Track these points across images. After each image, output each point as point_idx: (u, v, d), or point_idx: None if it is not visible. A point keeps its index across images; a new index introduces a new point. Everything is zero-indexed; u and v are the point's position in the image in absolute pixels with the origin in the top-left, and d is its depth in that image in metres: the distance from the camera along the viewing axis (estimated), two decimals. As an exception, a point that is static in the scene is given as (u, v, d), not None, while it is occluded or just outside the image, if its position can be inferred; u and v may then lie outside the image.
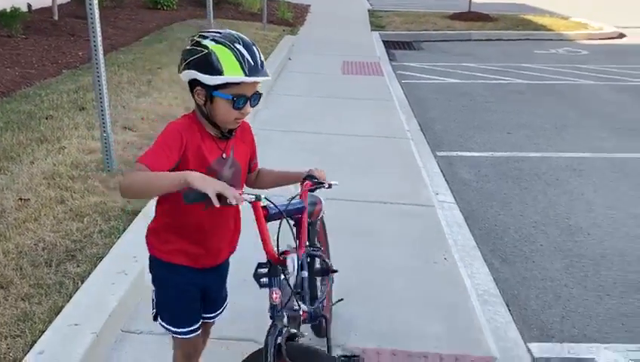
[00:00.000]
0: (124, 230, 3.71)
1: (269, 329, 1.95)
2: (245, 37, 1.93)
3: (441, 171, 5.67)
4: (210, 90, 1.89)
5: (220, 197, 1.74)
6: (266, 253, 2.00)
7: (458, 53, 12.62)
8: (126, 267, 3.25)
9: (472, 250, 4.13)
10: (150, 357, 2.82)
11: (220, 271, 2.23)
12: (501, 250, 4.26)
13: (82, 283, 3.12)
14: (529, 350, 3.12)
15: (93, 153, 4.94)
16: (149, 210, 4.01)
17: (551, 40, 14.72)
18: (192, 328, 2.18)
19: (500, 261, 4.10)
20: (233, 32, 1.94)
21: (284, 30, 13.40)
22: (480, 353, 2.95)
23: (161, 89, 7.11)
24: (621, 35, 15.71)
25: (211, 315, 2.30)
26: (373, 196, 4.82)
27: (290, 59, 10.46)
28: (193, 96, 1.96)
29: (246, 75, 1.85)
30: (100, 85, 4.45)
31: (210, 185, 1.76)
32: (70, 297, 3.00)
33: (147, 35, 10.88)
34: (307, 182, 2.24)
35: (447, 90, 9.18)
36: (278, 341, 1.90)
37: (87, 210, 3.94)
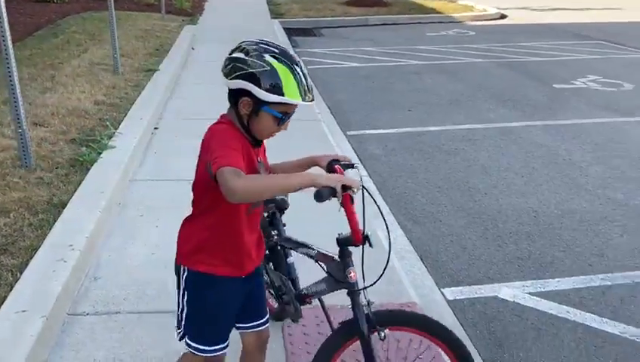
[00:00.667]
0: (54, 221, 3.75)
1: (354, 302, 2.13)
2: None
3: (353, 148, 6.06)
4: (261, 104, 1.88)
5: (344, 188, 1.84)
6: (355, 234, 2.09)
7: (357, 38, 13.15)
8: (64, 255, 3.34)
9: (387, 215, 4.54)
10: (100, 336, 2.95)
11: (258, 273, 2.20)
12: (412, 213, 4.70)
13: (21, 273, 3.18)
14: (443, 294, 3.56)
15: (6, 150, 4.86)
16: (78, 201, 4.08)
17: (441, 22, 15.65)
18: (227, 343, 2.14)
19: (411, 222, 4.54)
20: (284, 47, 1.94)
21: (183, 20, 13.31)
22: (403, 300, 3.34)
23: (67, 84, 6.97)
24: (503, 16, 16.98)
25: (262, 321, 2.25)
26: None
27: (193, 48, 10.47)
28: (235, 104, 1.93)
29: (302, 100, 1.88)
30: (12, 81, 4.40)
31: (336, 180, 1.85)
32: (12, 287, 3.05)
33: (40, 30, 10.46)
34: (336, 165, 2.22)
35: (351, 74, 9.63)
36: (366, 311, 2.12)
37: (12, 206, 3.93)
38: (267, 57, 1.87)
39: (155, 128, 6.20)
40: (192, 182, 2.01)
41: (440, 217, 4.65)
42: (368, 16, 15.57)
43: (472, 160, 5.85)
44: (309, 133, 6.33)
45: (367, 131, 6.74)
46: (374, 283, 2.12)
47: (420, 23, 15.51)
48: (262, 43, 1.93)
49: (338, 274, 2.22)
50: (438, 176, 5.44)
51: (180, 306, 2.10)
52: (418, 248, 4.11)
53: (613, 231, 4.37)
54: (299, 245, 2.52)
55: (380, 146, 6.24)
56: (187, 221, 2.09)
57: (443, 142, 6.37)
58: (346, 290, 2.17)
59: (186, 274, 2.05)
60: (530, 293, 3.59)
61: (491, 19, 16.53)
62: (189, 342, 2.11)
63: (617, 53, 11.57)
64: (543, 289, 3.62)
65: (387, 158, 5.92)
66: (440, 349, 2.27)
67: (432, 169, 5.63)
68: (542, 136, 6.52)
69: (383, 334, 2.12)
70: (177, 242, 2.10)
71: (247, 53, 1.89)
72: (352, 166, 2.26)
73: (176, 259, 2.10)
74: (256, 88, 1.85)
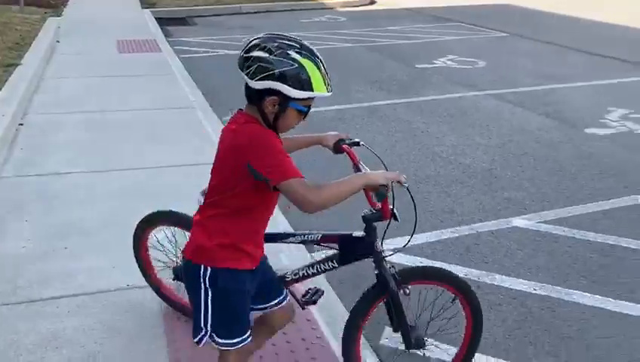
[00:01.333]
0: None
1: (381, 267, 2.37)
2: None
3: (228, 133, 6.22)
4: (288, 101, 1.91)
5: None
6: (385, 212, 2.26)
7: (231, 26, 13.22)
8: None
9: (261, 192, 4.77)
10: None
11: (263, 259, 2.25)
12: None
13: None
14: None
15: None
16: None
17: (314, 9, 16.08)
18: (251, 330, 2.18)
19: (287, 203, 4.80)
20: (300, 39, 1.95)
21: (46, 12, 12.66)
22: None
23: None
24: (372, 2, 17.75)
25: (282, 296, 2.35)
26: (166, 162, 5.20)
27: (58, 41, 10.04)
28: (259, 104, 1.94)
29: (327, 91, 1.94)
30: None
31: (389, 176, 2.04)
32: None
33: None
34: (343, 145, 2.41)
35: (226, 62, 9.72)
36: (392, 272, 2.39)
37: None
38: (293, 54, 1.89)
39: (20, 124, 5.98)
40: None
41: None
42: (242, 4, 15.65)
43: (341, 137, 6.22)
44: (183, 121, 6.41)
45: (243, 116, 6.91)
46: (402, 248, 2.56)
47: (293, 10, 15.85)
48: (280, 38, 1.94)
49: (362, 247, 2.42)
50: (309, 154, 5.74)
51: (204, 306, 2.08)
52: (297, 227, 4.38)
53: (462, 191, 4.91)
54: (289, 236, 2.67)
55: (255, 130, 6.45)
56: (209, 220, 2.07)
57: (314, 122, 6.70)
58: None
59: (209, 272, 2.05)
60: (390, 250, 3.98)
61: (361, 5, 17.22)
62: (220, 340, 2.11)
63: (473, 33, 12.59)
64: (401, 246, 4.03)
65: (262, 140, 6.14)
66: (454, 295, 2.54)
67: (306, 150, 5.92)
68: (404, 113, 7.06)
69: (407, 290, 2.42)
70: (195, 242, 2.09)
71: (270, 52, 1.90)
72: (357, 143, 2.42)
73: (190, 259, 2.09)
74: (286, 87, 1.88)
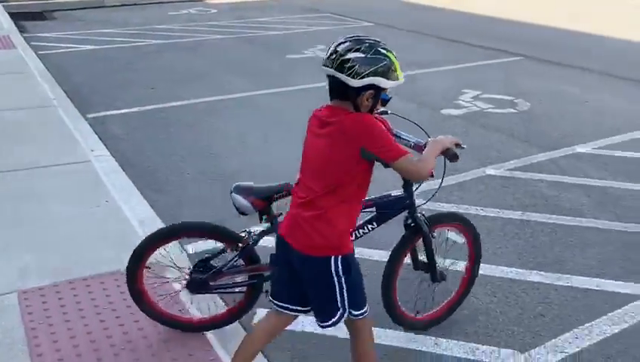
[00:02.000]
0: None
1: (415, 217, 2.84)
2: None
3: (94, 131, 5.99)
4: (380, 92, 2.20)
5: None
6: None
7: (94, 20, 12.63)
8: None
9: (131, 189, 4.67)
10: None
11: None
12: (156, 184, 4.92)
13: None
14: (185, 250, 3.88)
15: None
16: None
17: (183, 2, 15.74)
18: None
19: (157, 193, 4.76)
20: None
21: None
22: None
23: None
24: (243, -7, 17.71)
25: None
26: (30, 163, 4.93)
27: None
28: (356, 99, 2.18)
29: (402, 78, 2.27)
30: None
31: (452, 140, 2.51)
32: None
33: None
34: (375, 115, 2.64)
35: (88, 57, 9.30)
36: (423, 218, 2.86)
37: None
38: (382, 50, 2.19)
39: None
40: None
41: (185, 184, 4.94)
42: (105, -4, 14.97)
43: (213, 129, 6.24)
44: (44, 119, 6.09)
45: (109, 112, 6.69)
46: (431, 198, 3.01)
47: (161, 2, 15.41)
48: (362, 37, 2.23)
49: (400, 204, 2.84)
50: (182, 147, 5.72)
51: (339, 292, 2.28)
52: (163, 214, 4.34)
53: (331, 174, 5.14)
54: None
55: (123, 126, 6.28)
56: (328, 211, 2.20)
57: (186, 115, 6.65)
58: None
59: (340, 261, 2.24)
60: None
61: (232, -3, 17.13)
62: (357, 313, 2.35)
63: (341, 23, 13.02)
64: (272, 230, 4.17)
65: (130, 136, 6.00)
66: (461, 232, 3.16)
67: (175, 142, 5.88)
68: (275, 102, 7.20)
69: (434, 233, 2.93)
70: (317, 236, 2.22)
71: (365, 52, 2.16)
72: (386, 112, 2.67)
73: (312, 254, 2.24)
74: (384, 80, 2.18)
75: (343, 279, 2.26)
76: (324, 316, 2.34)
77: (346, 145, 2.16)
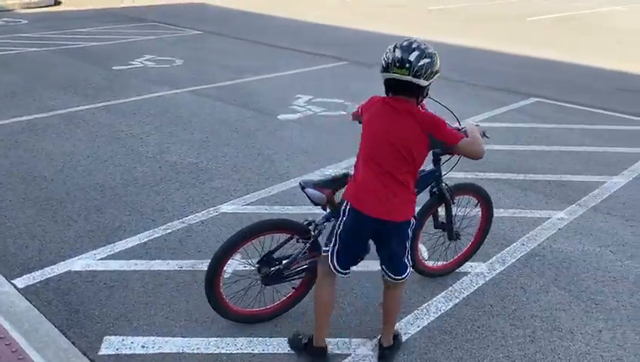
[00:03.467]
0: None
1: (440, 186, 3.41)
2: None
3: None
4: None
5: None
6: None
7: None
8: None
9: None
10: None
11: None
12: (-29, 216, 4.39)
13: None
14: (14, 284, 3.52)
15: None
16: None
17: (-14, 12, 14.26)
18: None
19: (-28, 226, 4.25)
20: None
21: None
22: None
23: None
24: (57, 3, 16.50)
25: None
26: None
27: None
28: (417, 95, 2.65)
29: None
30: None
31: (481, 127, 3.11)
32: None
33: None
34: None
35: None
36: (446, 188, 3.44)
37: None
38: (434, 52, 2.62)
39: None
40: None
41: (5, 212, 4.48)
42: None
43: (35, 150, 5.73)
44: None
45: None
46: (449, 171, 3.43)
47: (-40, 13, 13.81)
48: (417, 41, 2.62)
49: (432, 175, 3.35)
50: (10, 173, 5.17)
51: (409, 250, 2.88)
52: (-17, 249, 3.91)
53: (170, 188, 4.99)
54: None
55: None
56: (403, 183, 2.71)
57: (2, 137, 6.03)
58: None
59: (413, 222, 2.81)
60: (101, 259, 3.86)
61: (45, 7, 15.88)
62: (408, 270, 2.93)
63: (169, 32, 12.69)
64: (112, 252, 3.94)
65: None
66: (477, 201, 3.75)
67: (-10, 167, 5.30)
68: (105, 117, 6.81)
69: (454, 200, 3.51)
70: (400, 204, 2.72)
71: (431, 57, 2.58)
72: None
73: (397, 219, 2.73)
74: (436, 77, 2.67)
75: (410, 237, 2.84)
76: (399, 272, 2.89)
77: (418, 131, 2.65)
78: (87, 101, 7.38)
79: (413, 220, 2.80)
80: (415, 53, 2.55)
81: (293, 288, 3.35)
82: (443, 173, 3.44)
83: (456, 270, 3.86)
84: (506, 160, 5.86)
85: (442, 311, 3.46)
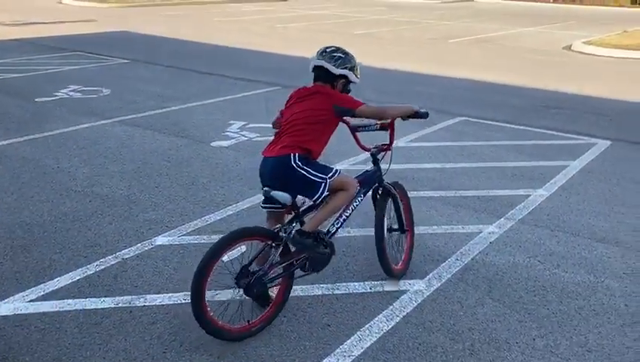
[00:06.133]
0: None
1: (384, 185, 3.93)
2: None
3: None
4: (349, 83, 3.63)
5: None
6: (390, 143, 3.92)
7: None
8: None
9: None
10: None
11: None
12: None
13: None
14: None
15: None
16: None
17: None
18: None
19: None
20: None
21: None
22: None
23: None
24: (-28, 33, 15.76)
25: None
26: None
27: None
28: (331, 82, 3.56)
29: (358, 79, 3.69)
30: None
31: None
32: None
33: None
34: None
35: None
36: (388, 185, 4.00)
37: None
38: (353, 55, 3.57)
39: None
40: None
41: None
42: None
43: (-47, 189, 5.42)
44: None
45: None
46: (389, 167, 3.97)
47: None
48: (336, 46, 3.60)
49: (375, 175, 3.91)
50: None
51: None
52: None
53: (103, 222, 4.83)
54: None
55: None
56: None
57: None
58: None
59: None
60: (31, 301, 3.68)
61: (-41, 37, 15.14)
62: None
63: (95, 62, 12.38)
64: (43, 293, 3.76)
65: None
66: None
67: None
68: (29, 151, 6.54)
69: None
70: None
71: (346, 54, 3.54)
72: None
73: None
74: (353, 75, 3.54)
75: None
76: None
77: (324, 103, 3.46)
78: (9, 135, 7.07)
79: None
80: (332, 48, 3.56)
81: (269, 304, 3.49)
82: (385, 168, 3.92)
83: (396, 288, 3.93)
84: (437, 178, 6.06)
85: (384, 331, 3.50)
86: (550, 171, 6.35)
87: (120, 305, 3.67)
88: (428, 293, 3.91)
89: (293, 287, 3.98)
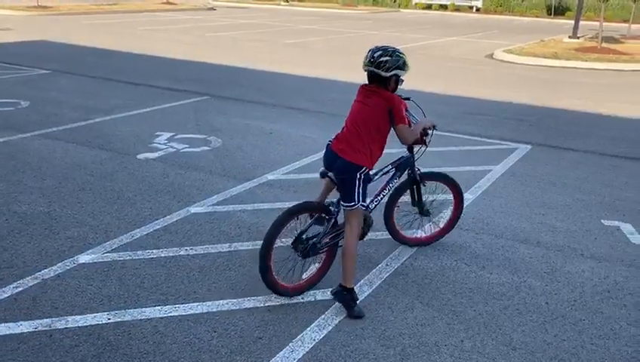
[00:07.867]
0: None
1: (414, 170, 4.44)
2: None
3: None
4: (400, 80, 3.90)
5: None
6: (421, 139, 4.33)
7: None
8: None
9: None
10: None
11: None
12: None
13: None
14: None
15: None
16: None
17: None
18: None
19: None
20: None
21: None
22: None
23: None
24: None
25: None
26: None
27: None
28: (384, 83, 3.83)
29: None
30: None
31: (431, 121, 4.36)
32: None
33: None
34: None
35: None
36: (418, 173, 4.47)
37: None
38: (399, 53, 3.78)
39: None
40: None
41: None
42: None
43: None
44: None
45: None
46: (419, 156, 4.42)
47: None
48: (388, 47, 3.81)
49: (409, 162, 4.42)
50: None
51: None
52: None
53: (20, 241, 4.58)
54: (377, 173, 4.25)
55: None
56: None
57: None
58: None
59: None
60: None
61: None
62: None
63: (11, 72, 11.79)
64: (-48, 321, 3.52)
65: None
66: (449, 189, 4.77)
67: None
68: (-63, 168, 6.12)
69: (424, 183, 4.54)
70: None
71: (391, 55, 3.74)
72: (408, 98, 4.11)
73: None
74: (403, 72, 3.80)
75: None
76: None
77: (382, 106, 3.80)
78: None
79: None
80: (379, 53, 3.75)
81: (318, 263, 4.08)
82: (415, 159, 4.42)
83: (328, 297, 3.93)
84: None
85: (316, 341, 3.49)
86: (475, 176, 6.57)
87: (39, 328, 3.48)
88: (359, 300, 3.93)
89: (224, 301, 3.92)
